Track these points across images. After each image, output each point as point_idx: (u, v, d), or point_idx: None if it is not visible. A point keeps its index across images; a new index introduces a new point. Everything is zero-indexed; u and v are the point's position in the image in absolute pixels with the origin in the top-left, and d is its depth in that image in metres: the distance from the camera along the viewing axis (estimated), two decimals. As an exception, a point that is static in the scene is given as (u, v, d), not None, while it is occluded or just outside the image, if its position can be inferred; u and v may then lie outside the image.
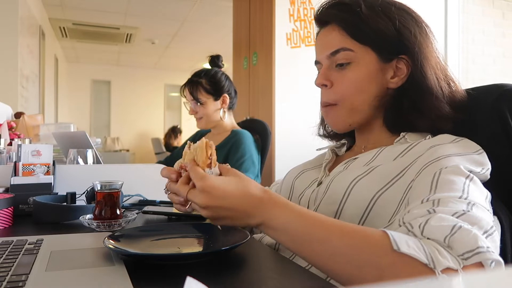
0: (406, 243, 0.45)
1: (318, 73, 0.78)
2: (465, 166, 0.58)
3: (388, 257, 0.45)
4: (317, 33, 0.80)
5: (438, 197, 0.52)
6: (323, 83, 0.76)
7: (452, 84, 0.74)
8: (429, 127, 0.71)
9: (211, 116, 1.70)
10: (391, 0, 0.75)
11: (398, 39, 0.71)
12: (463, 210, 0.49)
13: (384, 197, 0.63)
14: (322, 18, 0.78)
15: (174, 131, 6.56)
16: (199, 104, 1.68)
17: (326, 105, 0.77)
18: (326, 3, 0.77)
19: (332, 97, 0.75)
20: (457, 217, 0.48)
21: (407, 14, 0.74)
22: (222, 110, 1.71)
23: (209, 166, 0.58)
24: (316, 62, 0.80)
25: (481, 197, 0.55)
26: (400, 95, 0.73)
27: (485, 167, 0.61)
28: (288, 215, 0.53)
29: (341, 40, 0.73)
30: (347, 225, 0.51)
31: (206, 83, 1.68)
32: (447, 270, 0.43)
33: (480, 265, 0.44)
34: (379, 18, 0.71)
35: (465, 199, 0.52)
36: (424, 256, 0.44)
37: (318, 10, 0.78)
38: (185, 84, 1.72)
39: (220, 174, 0.59)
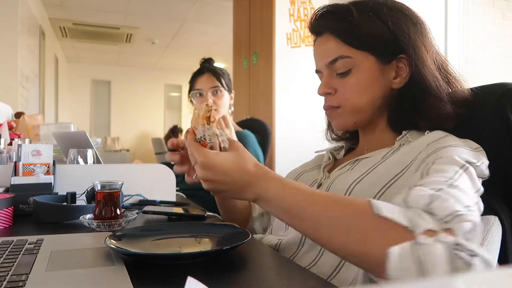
0: (388, 209, 0.47)
1: (320, 81, 0.78)
2: (461, 156, 0.58)
3: (369, 221, 0.48)
4: (314, 41, 0.80)
5: (424, 181, 0.54)
6: (327, 91, 0.76)
7: (453, 82, 0.73)
8: (431, 127, 0.71)
9: (224, 108, 1.70)
10: (383, 1, 0.74)
11: (394, 40, 0.71)
12: (440, 188, 0.51)
13: (383, 199, 0.63)
14: (315, 29, 0.78)
15: (174, 132, 6.56)
16: (217, 93, 1.67)
17: (329, 108, 0.78)
18: (317, 13, 0.77)
19: (336, 102, 0.76)
20: (434, 191, 0.50)
21: (400, 12, 0.73)
22: (229, 106, 1.72)
23: (208, 123, 0.67)
24: (317, 71, 0.80)
25: (471, 188, 0.55)
26: (403, 95, 0.73)
27: (481, 161, 0.61)
28: (280, 188, 0.57)
29: (338, 48, 0.73)
30: (335, 195, 0.55)
31: (226, 77, 1.70)
32: (427, 232, 0.44)
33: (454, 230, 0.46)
34: (371, 22, 0.71)
35: (450, 182, 0.52)
36: (404, 220, 0.46)
37: (311, 20, 0.78)
38: (204, 70, 1.69)
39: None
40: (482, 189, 0.58)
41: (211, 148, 0.66)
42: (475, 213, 0.49)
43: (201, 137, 0.65)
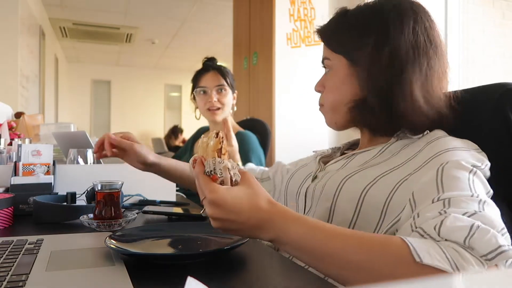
0: (428, 253, 0.44)
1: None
2: (467, 160, 0.59)
3: (410, 268, 0.44)
4: None
5: (448, 196, 0.52)
6: (316, 89, 0.83)
7: (430, 93, 0.69)
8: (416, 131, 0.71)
9: (228, 107, 1.69)
10: (379, 7, 0.72)
11: (364, 48, 0.70)
12: (475, 210, 0.49)
13: (371, 192, 0.63)
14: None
15: (174, 132, 6.55)
16: (222, 91, 1.66)
17: (319, 105, 0.83)
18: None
19: (321, 100, 0.82)
20: (468, 217, 0.48)
21: (399, 17, 0.70)
22: (232, 106, 1.72)
23: (219, 155, 0.59)
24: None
25: (484, 192, 0.56)
26: (378, 99, 0.71)
27: (484, 163, 0.61)
28: (299, 229, 0.52)
29: (325, 49, 0.79)
30: (363, 235, 0.50)
31: (230, 76, 1.69)
32: None
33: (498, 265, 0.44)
34: (348, 30, 0.74)
35: (476, 197, 0.52)
36: (448, 265, 0.43)
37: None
38: (209, 68, 1.68)
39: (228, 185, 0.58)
40: (491, 191, 0.58)
41: (222, 182, 0.59)
42: (507, 234, 0.48)
43: (211, 170, 0.58)
